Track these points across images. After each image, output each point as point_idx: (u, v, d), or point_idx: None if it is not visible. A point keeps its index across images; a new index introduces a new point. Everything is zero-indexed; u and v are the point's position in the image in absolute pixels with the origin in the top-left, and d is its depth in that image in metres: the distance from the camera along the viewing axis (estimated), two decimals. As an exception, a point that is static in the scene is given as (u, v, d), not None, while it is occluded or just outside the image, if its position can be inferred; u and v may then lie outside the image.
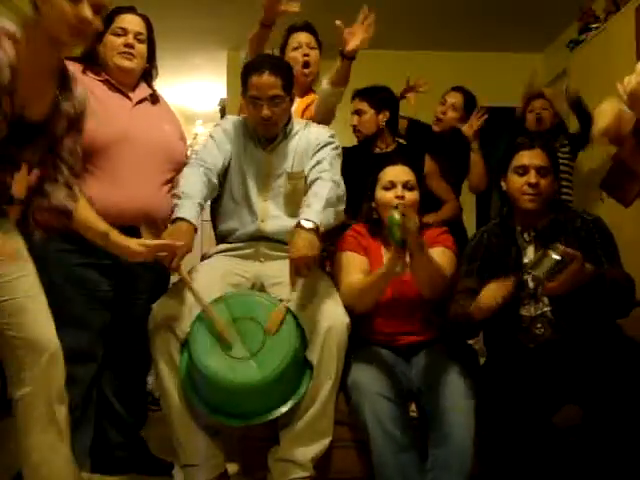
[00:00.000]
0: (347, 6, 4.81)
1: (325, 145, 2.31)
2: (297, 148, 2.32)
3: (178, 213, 2.07)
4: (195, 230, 2.08)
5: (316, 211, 2.08)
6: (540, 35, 5.21)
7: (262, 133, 2.30)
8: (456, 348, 2.21)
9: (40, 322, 1.72)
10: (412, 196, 2.26)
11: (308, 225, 2.03)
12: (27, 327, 1.69)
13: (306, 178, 2.28)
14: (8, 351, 1.70)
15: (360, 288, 2.14)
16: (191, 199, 2.10)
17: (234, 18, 4.96)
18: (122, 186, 2.13)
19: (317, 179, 2.21)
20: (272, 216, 2.28)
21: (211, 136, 2.34)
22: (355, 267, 2.23)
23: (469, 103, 3.31)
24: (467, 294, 2.10)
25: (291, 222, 2.17)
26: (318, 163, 2.26)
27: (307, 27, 2.84)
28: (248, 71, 2.24)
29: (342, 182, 2.26)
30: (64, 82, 1.74)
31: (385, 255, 2.27)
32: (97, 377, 2.24)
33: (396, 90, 3.12)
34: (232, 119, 2.43)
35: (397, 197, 2.23)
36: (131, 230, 2.17)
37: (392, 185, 2.26)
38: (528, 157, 2.15)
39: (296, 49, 2.78)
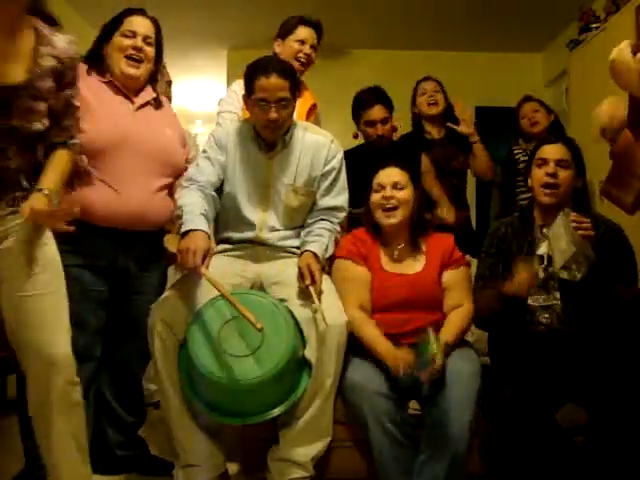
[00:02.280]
0: (348, 6, 4.82)
1: (333, 168, 2.34)
2: (300, 160, 2.30)
3: (184, 228, 2.07)
4: (208, 236, 2.08)
5: (320, 248, 2.21)
6: (540, 35, 5.22)
7: (267, 136, 2.26)
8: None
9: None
10: (403, 195, 2.26)
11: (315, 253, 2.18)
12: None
13: (314, 194, 2.33)
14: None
15: (358, 335, 2.12)
16: (192, 212, 2.10)
17: (234, 18, 4.98)
18: (120, 189, 2.13)
19: (325, 218, 2.31)
20: (270, 227, 2.28)
21: (204, 151, 2.32)
22: (357, 283, 2.22)
23: (443, 87, 3.32)
24: (487, 287, 2.19)
25: (288, 233, 2.29)
26: (329, 191, 2.33)
27: (317, 26, 2.80)
28: (254, 73, 2.20)
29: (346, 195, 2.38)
30: (39, 38, 1.68)
31: (384, 261, 2.28)
32: (95, 377, 2.24)
33: (395, 89, 3.11)
34: (228, 125, 2.41)
35: (384, 197, 2.25)
36: (129, 233, 2.18)
37: (381, 187, 2.28)
38: (549, 150, 2.22)
39: (300, 43, 2.75)
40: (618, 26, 3.64)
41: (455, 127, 3.20)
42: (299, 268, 2.12)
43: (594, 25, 4.00)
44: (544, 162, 2.20)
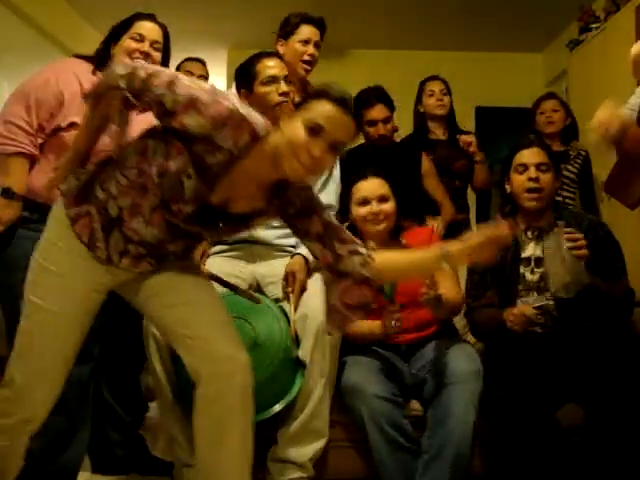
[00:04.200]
0: (348, 6, 4.82)
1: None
2: None
3: None
4: None
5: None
6: (540, 35, 5.21)
7: (279, 116, 2.28)
8: (457, 341, 2.23)
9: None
10: (388, 207, 2.27)
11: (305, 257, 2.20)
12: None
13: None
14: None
15: (355, 330, 2.13)
16: None
17: (234, 18, 4.97)
18: None
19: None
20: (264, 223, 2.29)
21: None
22: None
23: (449, 87, 3.28)
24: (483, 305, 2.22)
25: (284, 231, 2.25)
26: (322, 189, 2.33)
27: (321, 23, 2.76)
28: (255, 59, 2.28)
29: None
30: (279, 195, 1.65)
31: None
32: (93, 376, 2.24)
33: (395, 89, 3.11)
34: None
35: (372, 213, 2.25)
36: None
37: (366, 201, 2.27)
38: (527, 155, 2.22)
39: (304, 43, 2.71)
40: (618, 26, 3.64)
41: (462, 138, 3.20)
42: (285, 272, 2.15)
43: (594, 25, 4.00)
44: (525, 167, 2.20)
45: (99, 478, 2.28)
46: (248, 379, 1.68)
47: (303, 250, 2.21)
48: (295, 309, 2.08)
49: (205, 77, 3.43)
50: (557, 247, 1.98)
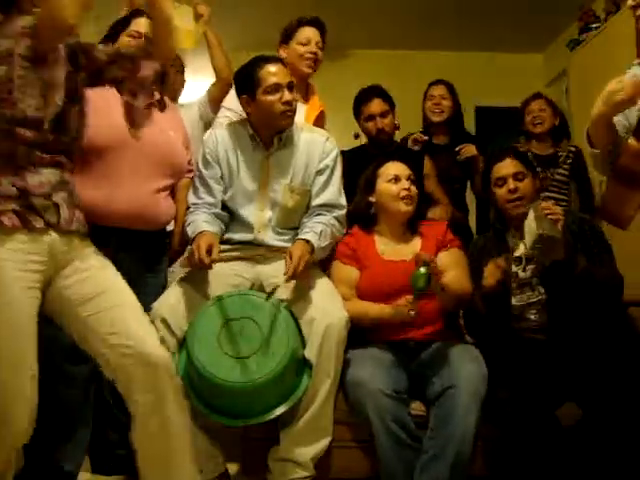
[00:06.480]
0: (348, 6, 4.82)
1: (327, 165, 2.34)
2: (296, 160, 2.31)
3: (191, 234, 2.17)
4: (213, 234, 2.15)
5: (313, 236, 2.18)
6: (540, 35, 5.23)
7: (283, 125, 2.28)
8: (463, 344, 2.24)
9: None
10: (415, 189, 2.35)
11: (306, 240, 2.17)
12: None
13: (310, 193, 2.32)
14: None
15: (362, 315, 2.17)
16: (195, 225, 2.18)
17: (234, 19, 4.97)
18: (119, 188, 2.13)
19: (321, 213, 2.30)
20: (268, 227, 2.29)
21: (198, 170, 2.34)
22: (342, 280, 2.29)
23: (454, 92, 3.28)
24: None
25: (286, 234, 2.28)
26: (324, 188, 2.32)
27: (319, 23, 2.78)
28: (256, 65, 2.25)
29: (343, 199, 2.37)
30: None
31: (381, 250, 2.34)
32: (94, 376, 2.24)
33: (396, 89, 3.11)
34: (219, 131, 2.40)
35: (405, 189, 2.30)
36: (130, 233, 2.18)
37: (397, 179, 2.32)
38: (502, 168, 2.31)
39: (304, 45, 2.73)
40: (618, 26, 3.65)
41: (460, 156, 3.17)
42: (288, 253, 2.10)
43: (594, 25, 4.01)
44: (503, 181, 2.28)
45: (99, 478, 2.28)
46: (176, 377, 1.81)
47: (303, 236, 2.18)
48: (289, 279, 2.05)
49: (182, 70, 3.37)
50: (533, 215, 2.04)
